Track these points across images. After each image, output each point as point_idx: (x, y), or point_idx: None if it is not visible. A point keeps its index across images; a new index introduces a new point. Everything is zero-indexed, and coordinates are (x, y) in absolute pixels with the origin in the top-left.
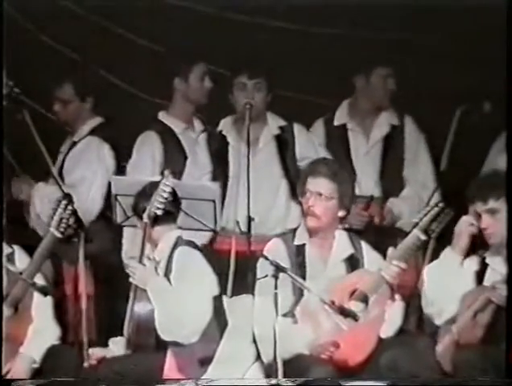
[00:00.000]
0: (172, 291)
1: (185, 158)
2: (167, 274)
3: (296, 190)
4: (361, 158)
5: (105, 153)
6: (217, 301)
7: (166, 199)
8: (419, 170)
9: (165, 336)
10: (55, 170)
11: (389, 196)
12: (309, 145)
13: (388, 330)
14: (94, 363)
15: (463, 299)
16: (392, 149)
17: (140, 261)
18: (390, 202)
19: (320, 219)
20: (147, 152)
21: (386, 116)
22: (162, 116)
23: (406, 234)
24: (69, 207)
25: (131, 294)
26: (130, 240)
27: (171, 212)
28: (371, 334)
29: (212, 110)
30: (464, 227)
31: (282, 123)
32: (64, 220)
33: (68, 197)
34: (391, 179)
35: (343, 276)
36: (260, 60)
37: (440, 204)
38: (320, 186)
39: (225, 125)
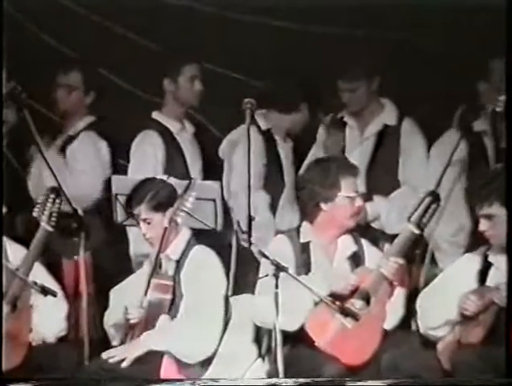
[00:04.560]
0: (177, 326)
1: (183, 157)
2: (176, 273)
3: (320, 194)
4: (351, 153)
5: (101, 149)
6: (225, 301)
7: (189, 208)
8: (413, 172)
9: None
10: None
11: (373, 194)
12: None
13: (391, 320)
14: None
15: (464, 298)
16: (384, 148)
17: (155, 265)
18: (374, 200)
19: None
20: (149, 151)
21: (384, 114)
22: (156, 115)
23: None
24: (57, 201)
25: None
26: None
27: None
28: (374, 331)
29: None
30: None
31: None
32: (55, 214)
33: (55, 190)
34: (379, 178)
35: (345, 274)
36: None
37: (429, 197)
38: (357, 186)
39: None
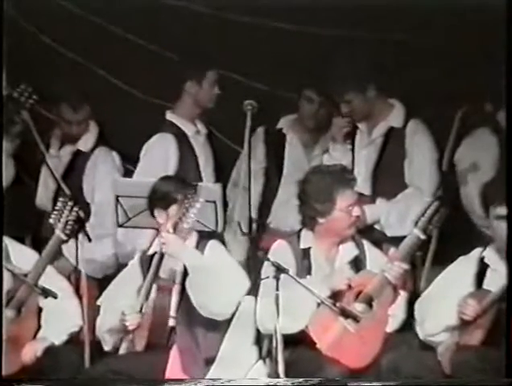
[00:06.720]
0: (206, 262)
1: (196, 160)
2: (183, 274)
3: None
4: (359, 154)
5: (115, 161)
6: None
7: (196, 214)
8: (417, 174)
9: (202, 310)
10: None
11: (378, 196)
12: None
13: (392, 323)
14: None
15: (462, 303)
16: (391, 150)
17: (157, 268)
18: (375, 203)
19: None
20: (160, 154)
21: (390, 116)
22: (170, 116)
23: None
24: (75, 209)
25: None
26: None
27: None
28: (376, 335)
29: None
30: None
31: None
32: (70, 222)
33: (73, 198)
34: (385, 180)
35: (348, 278)
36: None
37: (436, 203)
38: (354, 195)
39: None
